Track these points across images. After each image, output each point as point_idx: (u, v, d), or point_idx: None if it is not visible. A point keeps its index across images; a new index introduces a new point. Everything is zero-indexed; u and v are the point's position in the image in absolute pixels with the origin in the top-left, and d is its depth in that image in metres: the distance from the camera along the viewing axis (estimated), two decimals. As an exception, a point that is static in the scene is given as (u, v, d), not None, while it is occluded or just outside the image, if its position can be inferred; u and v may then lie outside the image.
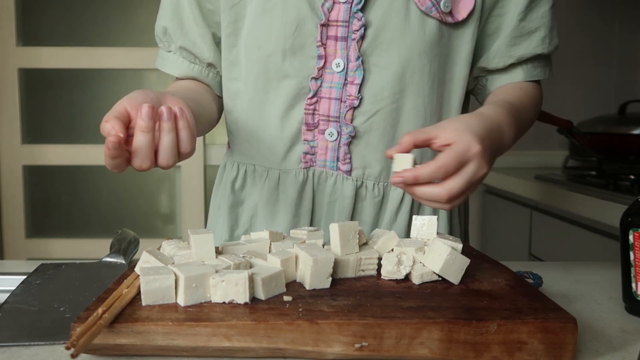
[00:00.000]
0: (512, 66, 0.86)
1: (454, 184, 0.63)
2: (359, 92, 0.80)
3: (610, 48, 2.20)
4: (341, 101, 0.80)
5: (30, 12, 2.27)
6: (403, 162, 0.64)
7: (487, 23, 0.84)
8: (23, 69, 2.22)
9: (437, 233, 0.68)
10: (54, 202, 2.41)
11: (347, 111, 0.81)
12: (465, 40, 0.82)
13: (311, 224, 0.85)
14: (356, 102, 0.80)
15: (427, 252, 0.62)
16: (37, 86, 2.30)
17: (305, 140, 0.82)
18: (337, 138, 0.82)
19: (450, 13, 0.79)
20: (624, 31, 2.20)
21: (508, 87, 0.86)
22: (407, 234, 0.85)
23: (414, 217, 0.70)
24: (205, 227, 0.96)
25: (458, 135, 0.64)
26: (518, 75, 0.87)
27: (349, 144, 0.82)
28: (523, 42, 0.84)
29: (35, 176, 2.33)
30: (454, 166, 0.63)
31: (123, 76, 2.33)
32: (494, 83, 0.88)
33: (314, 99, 0.81)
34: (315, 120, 0.82)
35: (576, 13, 2.17)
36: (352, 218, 0.84)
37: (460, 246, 0.64)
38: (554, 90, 2.17)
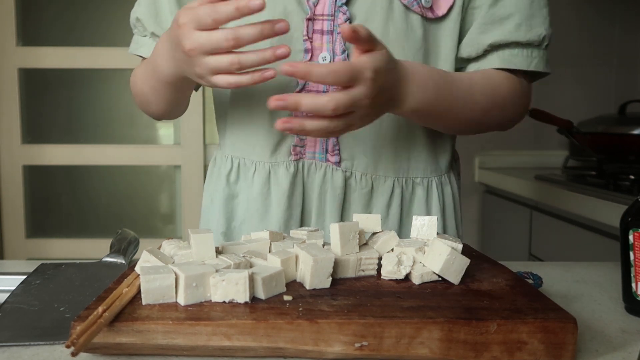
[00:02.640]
0: (487, 53, 0.84)
1: (340, 96, 0.63)
2: None
3: (610, 48, 2.20)
4: None
5: (30, 12, 2.27)
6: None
7: (466, 16, 0.84)
8: (23, 69, 2.23)
9: (437, 233, 0.68)
10: (54, 202, 2.41)
11: None
12: (446, 35, 0.83)
13: (303, 215, 0.86)
14: None
15: (427, 252, 0.62)
16: (37, 86, 2.30)
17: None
18: None
19: (431, 8, 0.81)
20: (624, 31, 2.20)
21: (470, 71, 0.85)
22: (400, 230, 0.86)
23: (414, 217, 0.70)
24: (200, 221, 0.96)
25: (368, 56, 0.65)
26: (494, 62, 0.83)
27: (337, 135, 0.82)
28: (494, 30, 0.82)
29: (35, 176, 2.33)
30: (345, 77, 0.62)
31: (123, 76, 2.33)
32: (468, 71, 0.86)
33: (302, 92, 0.82)
34: (304, 113, 0.82)
35: (576, 13, 2.18)
36: (342, 208, 0.85)
37: (460, 246, 0.64)
38: (554, 90, 2.17)
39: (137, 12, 0.89)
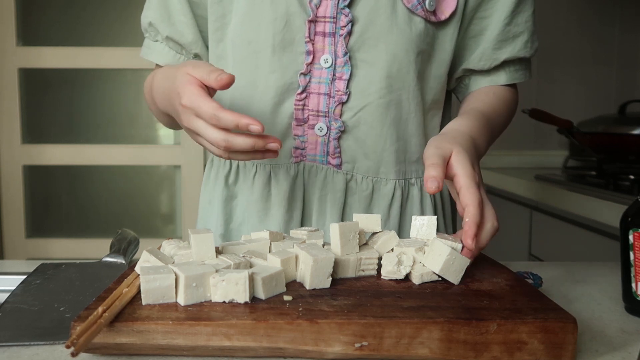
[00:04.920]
0: (495, 68, 0.88)
1: (489, 209, 0.68)
2: (347, 87, 0.81)
3: (610, 48, 2.20)
4: (330, 96, 0.82)
5: (30, 12, 2.27)
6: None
7: (471, 25, 0.86)
8: (23, 69, 2.23)
9: (437, 232, 0.68)
10: (54, 202, 2.41)
11: (335, 106, 0.82)
12: (447, 40, 0.84)
13: (303, 218, 0.86)
14: (344, 98, 0.81)
15: (427, 252, 0.62)
16: (37, 86, 2.31)
17: (295, 135, 0.83)
18: (326, 133, 0.83)
19: (435, 12, 0.81)
20: (624, 31, 2.20)
21: (482, 93, 0.88)
22: (400, 232, 0.86)
23: (413, 217, 0.70)
24: (197, 222, 0.96)
25: (457, 166, 0.67)
26: (501, 78, 0.88)
27: (339, 138, 0.83)
28: (508, 46, 0.86)
29: (35, 176, 2.33)
30: (480, 193, 0.66)
31: (123, 76, 2.33)
32: (476, 83, 0.90)
33: (303, 95, 0.82)
34: (305, 116, 0.83)
35: (576, 13, 2.18)
36: (343, 211, 0.85)
37: (460, 246, 0.64)
38: (554, 90, 2.17)
39: (149, 16, 0.88)
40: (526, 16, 0.86)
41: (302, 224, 0.86)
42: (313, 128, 0.83)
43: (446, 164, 0.67)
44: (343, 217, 0.85)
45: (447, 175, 0.68)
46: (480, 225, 0.65)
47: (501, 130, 0.90)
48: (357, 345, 0.51)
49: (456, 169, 0.67)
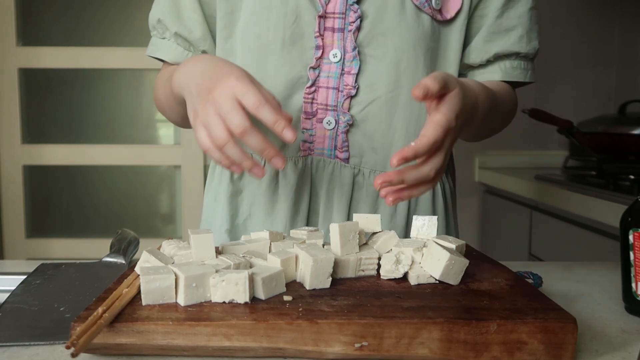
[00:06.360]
0: (489, 63, 0.88)
1: (438, 160, 0.65)
2: (356, 81, 0.82)
3: (610, 48, 2.20)
4: (339, 90, 0.82)
5: (30, 12, 2.27)
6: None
7: (471, 23, 0.87)
8: (23, 69, 2.23)
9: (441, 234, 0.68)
10: (54, 202, 2.41)
11: (344, 100, 0.82)
12: (453, 39, 0.85)
13: (310, 212, 0.86)
14: (353, 92, 0.82)
15: (426, 256, 0.62)
16: (37, 86, 2.30)
17: (304, 128, 0.84)
18: (334, 126, 0.83)
19: (440, 11, 0.82)
20: (624, 31, 2.20)
21: (486, 81, 0.88)
22: (406, 230, 0.86)
23: (414, 217, 0.70)
24: (201, 219, 0.96)
25: (448, 106, 0.65)
26: (496, 74, 0.88)
27: (347, 132, 0.83)
28: (499, 39, 0.86)
29: (35, 176, 2.33)
30: (442, 138, 0.64)
31: (123, 76, 2.33)
32: (473, 79, 0.89)
33: (313, 88, 0.83)
34: (314, 109, 0.83)
35: (576, 13, 2.18)
36: (350, 205, 0.85)
37: (462, 242, 0.64)
38: (554, 90, 2.17)
39: (158, 12, 0.89)
40: (520, 11, 0.86)
41: (308, 218, 0.86)
42: (321, 122, 0.83)
43: (443, 89, 0.65)
44: (350, 211, 0.85)
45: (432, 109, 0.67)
46: (420, 160, 0.64)
47: (500, 120, 0.88)
48: (357, 345, 0.51)
49: (442, 106, 0.65)
